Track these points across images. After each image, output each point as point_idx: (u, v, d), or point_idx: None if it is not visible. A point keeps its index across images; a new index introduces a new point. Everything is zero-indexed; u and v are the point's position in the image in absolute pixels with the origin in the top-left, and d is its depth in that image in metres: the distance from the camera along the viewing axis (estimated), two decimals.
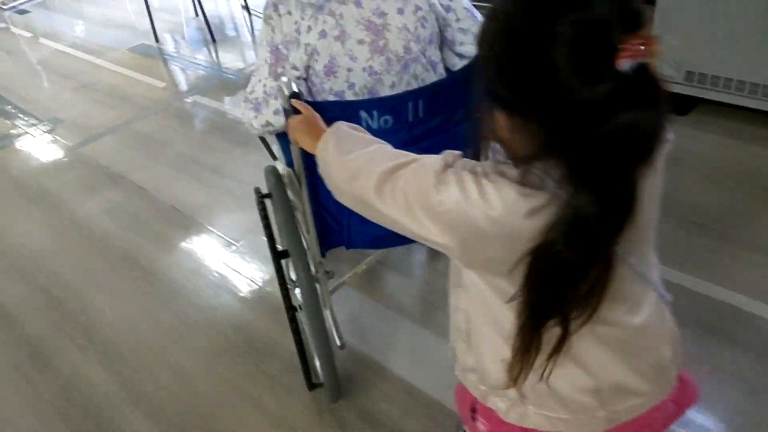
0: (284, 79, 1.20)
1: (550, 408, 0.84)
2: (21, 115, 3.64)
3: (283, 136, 1.50)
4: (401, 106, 1.25)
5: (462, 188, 0.69)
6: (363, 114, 1.23)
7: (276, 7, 1.30)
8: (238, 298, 2.07)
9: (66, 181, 2.87)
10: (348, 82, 1.33)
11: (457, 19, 1.41)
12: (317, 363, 1.63)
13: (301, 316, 1.82)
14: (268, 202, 1.49)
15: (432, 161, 0.74)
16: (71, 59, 4.41)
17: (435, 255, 2.14)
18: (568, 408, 0.83)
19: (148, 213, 2.57)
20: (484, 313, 0.84)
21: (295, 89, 1.15)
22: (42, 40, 4.88)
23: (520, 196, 0.66)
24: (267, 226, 1.52)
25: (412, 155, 0.80)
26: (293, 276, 1.86)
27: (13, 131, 3.45)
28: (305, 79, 1.36)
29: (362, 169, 0.83)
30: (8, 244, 2.48)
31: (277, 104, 1.34)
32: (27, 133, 3.41)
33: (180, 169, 2.84)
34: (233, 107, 3.34)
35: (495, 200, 0.67)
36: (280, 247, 1.51)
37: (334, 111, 1.15)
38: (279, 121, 1.37)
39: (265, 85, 1.35)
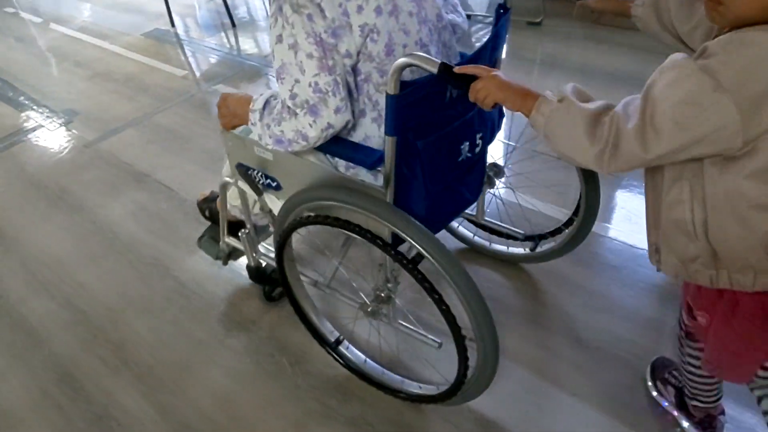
0: (416, 58, 1.02)
1: None
2: (34, 107, 3.45)
3: (340, 142, 1.31)
4: (481, 61, 1.24)
5: (739, 53, 0.75)
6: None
7: None
8: (284, 315, 1.89)
9: (86, 180, 2.70)
10: None
11: None
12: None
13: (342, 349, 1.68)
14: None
15: (676, 72, 0.79)
16: (84, 45, 4.21)
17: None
18: None
19: (176, 216, 2.39)
20: (725, 193, 0.86)
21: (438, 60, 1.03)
22: (52, 25, 4.68)
23: None
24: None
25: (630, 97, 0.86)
26: (306, 307, 1.68)
27: (27, 124, 3.27)
28: (353, 68, 1.20)
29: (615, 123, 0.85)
30: (29, 251, 2.31)
31: (338, 101, 1.17)
32: (42, 126, 3.22)
33: (207, 168, 2.66)
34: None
35: None
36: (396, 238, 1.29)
37: (425, 88, 1.13)
38: (340, 121, 1.21)
39: (315, 83, 1.16)
